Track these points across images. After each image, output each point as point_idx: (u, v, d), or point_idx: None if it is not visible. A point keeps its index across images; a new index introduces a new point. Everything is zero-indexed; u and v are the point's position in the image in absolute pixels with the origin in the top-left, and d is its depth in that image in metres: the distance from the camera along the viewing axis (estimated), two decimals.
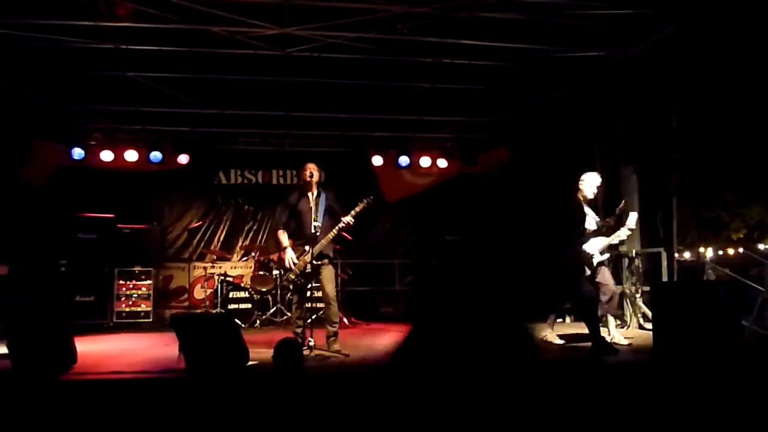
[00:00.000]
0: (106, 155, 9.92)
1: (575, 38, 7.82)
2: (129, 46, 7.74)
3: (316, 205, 6.21)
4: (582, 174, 6.45)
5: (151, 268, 9.68)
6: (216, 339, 5.12)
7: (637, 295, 7.82)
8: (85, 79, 8.64)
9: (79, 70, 8.35)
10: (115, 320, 9.31)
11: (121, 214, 9.76)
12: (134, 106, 9.47)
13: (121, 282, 9.46)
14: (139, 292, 9.50)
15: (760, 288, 6.17)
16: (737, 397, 4.40)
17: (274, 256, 9.06)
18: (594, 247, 6.32)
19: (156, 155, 10.06)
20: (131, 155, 9.99)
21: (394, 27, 7.39)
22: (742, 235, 18.69)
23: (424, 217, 11.22)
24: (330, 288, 6.22)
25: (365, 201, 6.17)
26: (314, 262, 6.03)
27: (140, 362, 5.85)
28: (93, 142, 9.91)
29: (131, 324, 9.31)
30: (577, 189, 6.38)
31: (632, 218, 6.30)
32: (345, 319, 8.93)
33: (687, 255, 8.07)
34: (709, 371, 4.83)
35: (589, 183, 6.40)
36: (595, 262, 6.31)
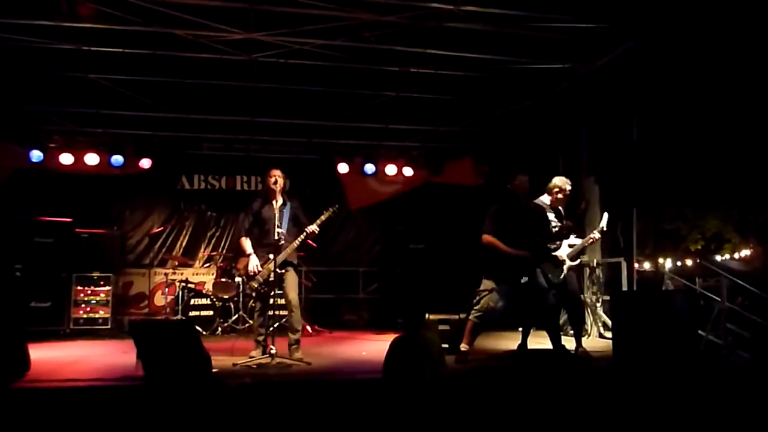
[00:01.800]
0: (66, 158, 9.69)
1: (540, 50, 7.94)
2: (91, 48, 7.60)
3: (281, 212, 6.16)
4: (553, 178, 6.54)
5: (110, 274, 9.48)
6: (175, 346, 5.03)
7: (598, 304, 7.94)
8: (45, 80, 8.44)
9: (40, 70, 8.17)
10: (72, 327, 9.08)
11: (81, 218, 9.55)
12: (96, 109, 9.29)
13: (79, 288, 9.24)
14: (98, 299, 9.29)
15: (717, 298, 6.30)
16: (692, 403, 4.48)
17: (240, 264, 8.95)
18: (565, 252, 6.36)
19: (117, 159, 9.86)
20: (92, 158, 9.77)
21: (362, 35, 7.40)
22: (699, 247, 19.16)
23: (388, 225, 11.23)
24: (293, 295, 6.18)
25: (331, 210, 6.17)
26: (278, 270, 5.98)
27: (97, 370, 5.71)
28: (52, 145, 9.68)
29: (89, 331, 9.08)
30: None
31: (604, 219, 6.39)
32: (308, 327, 8.86)
33: (647, 265, 8.21)
34: (666, 378, 4.91)
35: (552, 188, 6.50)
36: (565, 268, 6.34)
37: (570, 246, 6.38)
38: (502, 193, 6.15)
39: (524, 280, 5.93)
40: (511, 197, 6.07)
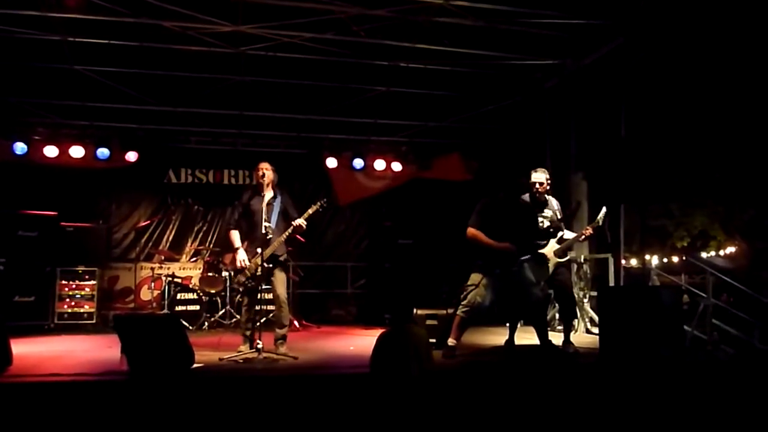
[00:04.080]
0: (51, 151, 9.58)
1: (529, 46, 7.93)
2: (77, 39, 7.50)
3: (269, 206, 6.14)
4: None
5: (95, 268, 9.38)
6: (160, 341, 5.00)
7: (585, 300, 7.96)
8: (29, 71, 8.33)
9: (24, 62, 8.05)
10: (56, 321, 8.98)
11: (66, 211, 9.42)
12: (81, 101, 9.19)
13: (64, 282, 9.14)
14: (83, 293, 9.19)
15: (703, 294, 6.33)
16: (678, 397, 4.50)
17: (227, 259, 8.90)
18: (551, 250, 6.33)
19: (103, 152, 9.75)
20: (77, 151, 9.66)
21: (351, 29, 7.36)
22: (685, 244, 19.29)
23: (377, 220, 11.21)
24: (282, 290, 6.16)
25: (318, 204, 6.15)
26: (266, 264, 5.95)
27: (80, 364, 5.66)
28: (37, 137, 9.57)
29: (73, 325, 8.99)
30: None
31: (602, 213, 6.33)
32: (296, 322, 8.84)
33: (633, 262, 8.24)
34: (652, 373, 4.93)
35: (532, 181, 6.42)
36: (551, 266, 6.32)
37: (559, 242, 6.36)
38: (492, 189, 6.13)
39: (499, 271, 5.89)
40: (505, 193, 6.04)
